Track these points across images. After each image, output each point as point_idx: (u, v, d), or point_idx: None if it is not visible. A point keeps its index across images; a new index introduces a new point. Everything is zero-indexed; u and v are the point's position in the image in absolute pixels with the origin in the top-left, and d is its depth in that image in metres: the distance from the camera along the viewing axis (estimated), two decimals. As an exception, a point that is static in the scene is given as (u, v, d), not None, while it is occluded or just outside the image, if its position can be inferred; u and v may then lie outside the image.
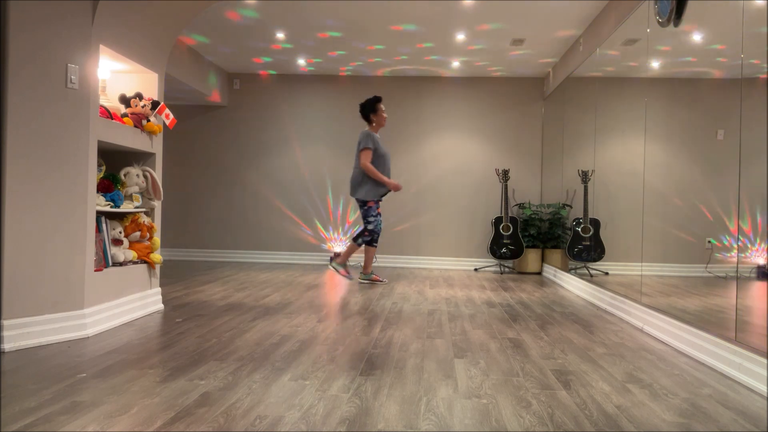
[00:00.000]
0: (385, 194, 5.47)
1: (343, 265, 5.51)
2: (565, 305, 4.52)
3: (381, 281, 5.67)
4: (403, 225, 7.34)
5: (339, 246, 7.36)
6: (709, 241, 3.57)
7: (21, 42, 2.84)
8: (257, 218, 7.56)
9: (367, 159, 5.32)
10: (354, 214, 7.43)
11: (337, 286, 5.48)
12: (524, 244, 6.83)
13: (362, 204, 5.42)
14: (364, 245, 5.50)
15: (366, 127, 5.57)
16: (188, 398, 2.13)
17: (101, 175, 3.40)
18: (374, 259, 5.54)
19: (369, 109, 5.49)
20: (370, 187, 5.35)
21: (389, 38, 5.86)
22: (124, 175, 3.66)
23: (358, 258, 7.34)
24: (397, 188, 5.41)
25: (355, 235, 5.53)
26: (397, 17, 5.24)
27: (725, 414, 2.10)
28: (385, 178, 5.35)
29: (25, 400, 2.08)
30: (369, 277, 5.61)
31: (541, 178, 7.32)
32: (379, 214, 5.48)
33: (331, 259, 5.36)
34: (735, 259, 3.16)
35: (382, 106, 5.54)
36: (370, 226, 5.40)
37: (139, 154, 3.81)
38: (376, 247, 5.55)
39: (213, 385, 2.28)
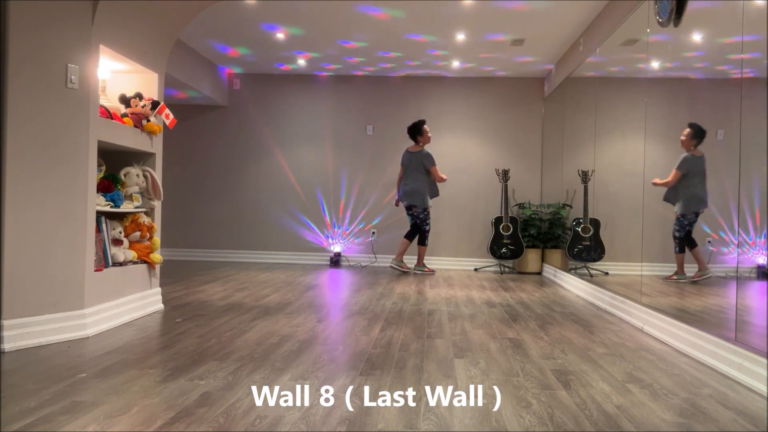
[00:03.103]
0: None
1: (422, 266, 6.55)
2: (565, 305, 4.52)
3: (431, 272, 6.62)
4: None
5: (338, 246, 7.36)
6: (709, 241, 3.57)
7: (21, 42, 2.84)
8: (257, 218, 7.56)
9: (438, 172, 6.37)
10: (353, 214, 7.43)
11: (336, 286, 5.49)
12: (524, 244, 6.83)
13: (423, 210, 6.36)
14: (402, 240, 6.51)
15: (409, 143, 6.54)
16: (188, 398, 2.13)
17: (101, 175, 3.40)
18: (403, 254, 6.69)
19: (417, 132, 6.42)
20: (430, 196, 6.37)
21: (390, 38, 5.86)
22: (124, 175, 3.66)
23: (356, 258, 7.36)
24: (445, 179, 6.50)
25: (420, 240, 6.48)
26: (397, 17, 5.24)
27: (725, 414, 2.10)
28: (444, 177, 6.43)
29: (25, 400, 2.08)
30: (422, 269, 6.55)
31: (541, 178, 7.32)
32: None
33: (394, 266, 6.52)
34: (735, 259, 3.16)
35: (426, 127, 6.48)
36: (429, 227, 6.48)
37: (139, 154, 3.81)
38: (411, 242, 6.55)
39: (213, 385, 2.28)
